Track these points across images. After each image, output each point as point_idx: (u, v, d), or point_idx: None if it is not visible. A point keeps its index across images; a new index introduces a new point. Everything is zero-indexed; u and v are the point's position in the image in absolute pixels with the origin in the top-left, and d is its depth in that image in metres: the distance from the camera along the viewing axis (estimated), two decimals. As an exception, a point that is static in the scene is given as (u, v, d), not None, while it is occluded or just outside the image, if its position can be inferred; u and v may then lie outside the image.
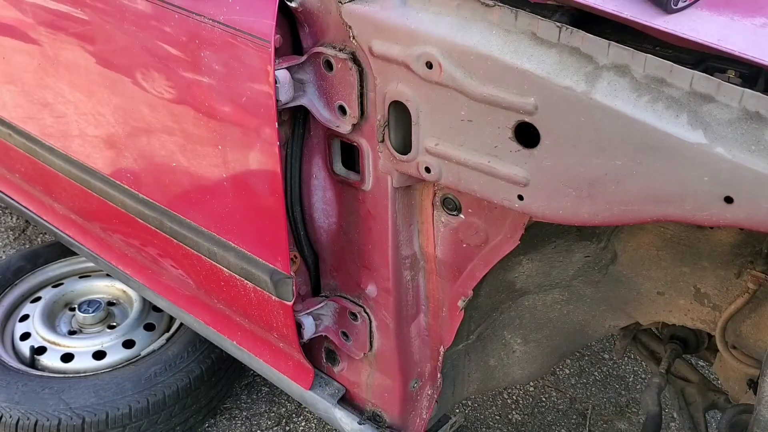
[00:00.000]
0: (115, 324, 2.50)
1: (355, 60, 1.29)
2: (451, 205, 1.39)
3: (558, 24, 1.06)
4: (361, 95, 1.32)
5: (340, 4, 1.27)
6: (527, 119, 1.11)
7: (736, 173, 0.95)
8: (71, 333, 2.48)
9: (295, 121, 1.47)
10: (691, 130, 0.97)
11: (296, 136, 1.48)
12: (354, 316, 1.64)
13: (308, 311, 1.65)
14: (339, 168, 1.48)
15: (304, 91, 1.39)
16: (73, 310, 2.55)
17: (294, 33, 1.40)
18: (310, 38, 1.36)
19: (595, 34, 1.04)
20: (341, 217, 1.55)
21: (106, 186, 1.91)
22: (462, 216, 1.39)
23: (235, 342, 1.96)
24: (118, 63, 1.68)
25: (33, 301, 2.56)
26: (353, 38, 1.27)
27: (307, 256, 1.64)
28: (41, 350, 2.36)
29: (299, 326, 1.64)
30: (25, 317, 2.50)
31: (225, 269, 1.69)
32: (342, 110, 1.36)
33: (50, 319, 2.49)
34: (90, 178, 1.96)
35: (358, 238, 1.53)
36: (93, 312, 2.47)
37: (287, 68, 1.35)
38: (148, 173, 1.78)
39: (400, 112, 1.28)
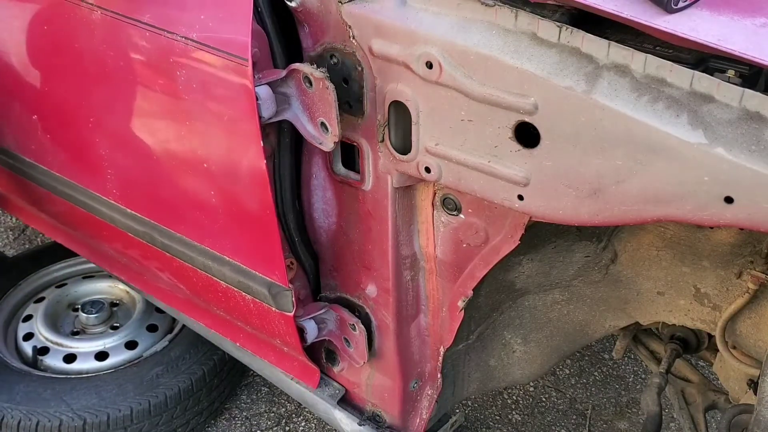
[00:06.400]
0: (118, 325, 2.50)
1: (331, 78, 1.28)
2: (451, 205, 1.39)
3: (558, 24, 1.06)
4: (361, 96, 1.32)
5: (340, 4, 1.27)
6: (527, 119, 1.11)
7: (736, 173, 0.95)
8: (74, 333, 2.48)
9: (280, 131, 1.45)
10: (692, 130, 0.97)
11: (282, 146, 1.47)
12: (352, 326, 1.64)
13: (310, 316, 1.64)
14: (339, 168, 1.48)
15: (288, 104, 1.37)
16: (76, 310, 2.55)
17: (295, 35, 1.39)
18: (310, 38, 1.36)
19: (595, 34, 1.04)
20: (341, 217, 1.55)
21: (98, 204, 1.88)
22: (462, 216, 1.39)
23: (237, 344, 1.96)
24: (102, 83, 1.65)
25: (36, 302, 2.56)
26: (353, 38, 1.28)
27: (303, 261, 1.63)
28: (44, 351, 2.36)
29: (302, 331, 1.63)
30: (28, 317, 2.50)
31: (222, 282, 1.68)
32: (324, 127, 1.35)
33: (53, 320, 2.49)
34: (85, 198, 1.92)
35: (358, 238, 1.53)
36: (96, 313, 2.47)
37: (268, 83, 1.33)
38: (140, 191, 1.76)
39: (400, 112, 1.29)
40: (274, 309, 1.59)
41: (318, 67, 1.31)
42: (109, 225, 1.88)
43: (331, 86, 1.28)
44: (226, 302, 1.76)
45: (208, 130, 1.46)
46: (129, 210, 1.79)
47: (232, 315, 1.85)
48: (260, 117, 1.32)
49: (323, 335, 1.69)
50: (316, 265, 1.68)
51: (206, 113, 1.44)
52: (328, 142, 1.36)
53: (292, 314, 1.57)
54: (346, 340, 1.69)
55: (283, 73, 1.34)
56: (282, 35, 1.38)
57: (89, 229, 2.06)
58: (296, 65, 1.32)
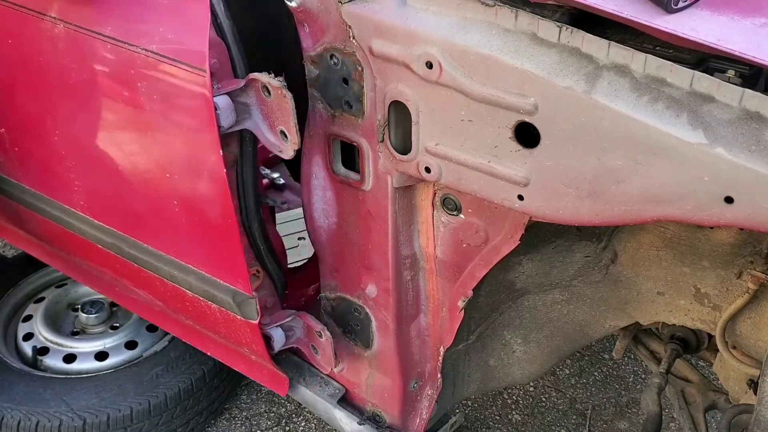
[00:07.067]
0: (117, 325, 2.50)
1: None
2: (451, 205, 1.39)
3: (558, 24, 1.06)
4: (361, 96, 1.32)
5: (340, 4, 1.27)
6: (527, 119, 1.11)
7: (736, 173, 0.95)
8: (74, 333, 2.48)
9: (242, 140, 1.46)
10: (692, 130, 0.97)
11: (245, 155, 1.47)
12: (319, 334, 1.66)
13: (277, 324, 1.66)
14: (339, 168, 1.48)
15: (249, 113, 1.39)
16: (76, 310, 2.55)
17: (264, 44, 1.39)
18: (310, 38, 1.36)
19: (595, 34, 1.04)
20: (341, 217, 1.55)
21: (67, 216, 1.88)
22: (462, 216, 1.39)
23: (208, 353, 1.97)
24: (66, 96, 1.65)
25: (36, 302, 2.56)
26: (353, 38, 1.28)
27: (270, 268, 1.65)
28: (44, 351, 2.36)
29: (269, 339, 1.65)
30: (28, 317, 2.49)
31: (188, 291, 1.69)
32: (284, 134, 1.36)
33: (53, 320, 2.49)
34: (54, 210, 1.91)
35: (358, 238, 1.53)
36: (96, 313, 2.47)
37: (228, 93, 1.34)
38: (106, 202, 1.77)
39: (400, 112, 1.29)
40: (239, 317, 1.60)
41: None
42: (79, 237, 1.88)
43: (288, 95, 1.30)
44: (194, 311, 1.77)
45: (169, 140, 1.48)
46: (97, 221, 1.79)
47: (200, 324, 1.86)
48: (219, 126, 1.34)
49: (291, 342, 1.71)
50: (283, 273, 1.69)
51: (167, 124, 1.46)
52: (287, 149, 1.38)
53: (257, 322, 1.58)
54: (314, 347, 1.71)
55: (242, 82, 1.35)
56: (242, 45, 1.40)
57: (60, 241, 2.06)
58: (254, 75, 1.33)
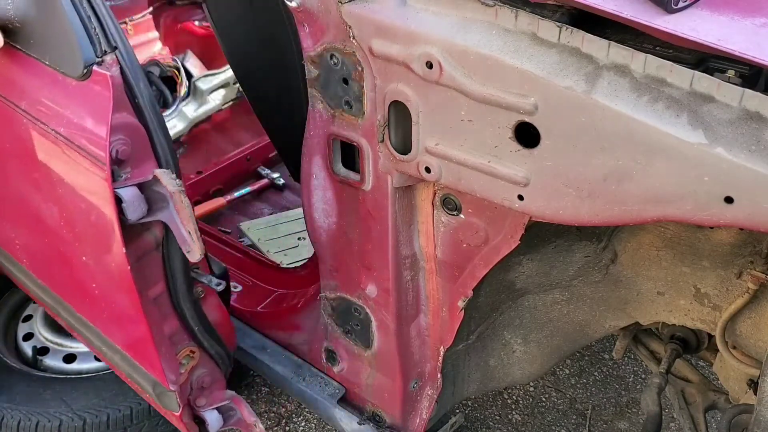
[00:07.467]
0: (116, 324, 2.50)
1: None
2: (451, 205, 1.39)
3: (558, 24, 1.06)
4: (362, 96, 1.32)
5: (340, 4, 1.27)
6: (527, 119, 1.11)
7: (736, 173, 0.95)
8: (74, 333, 2.48)
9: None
10: (692, 130, 0.97)
11: (171, 237, 1.39)
12: (255, 424, 1.66)
13: (213, 407, 1.62)
14: (339, 168, 1.48)
15: (167, 203, 1.30)
16: (75, 310, 2.55)
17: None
18: (310, 38, 1.36)
19: (595, 34, 1.04)
20: (341, 217, 1.55)
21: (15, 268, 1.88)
22: (462, 216, 1.39)
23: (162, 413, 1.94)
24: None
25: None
26: (353, 38, 1.27)
27: (207, 347, 1.60)
28: (44, 351, 2.36)
29: (202, 422, 1.61)
30: (28, 317, 2.49)
31: (117, 369, 1.67)
32: (192, 236, 1.31)
33: (53, 320, 2.48)
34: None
35: (358, 238, 1.53)
36: (94, 312, 2.47)
37: (139, 184, 1.28)
38: (42, 265, 1.74)
39: (400, 112, 1.28)
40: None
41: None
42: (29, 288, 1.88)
43: (185, 201, 1.25)
44: (131, 384, 1.75)
45: (80, 226, 1.43)
46: (39, 280, 1.78)
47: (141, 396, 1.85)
48: (126, 219, 1.27)
49: (231, 424, 1.68)
50: (225, 349, 1.66)
51: (77, 209, 1.40)
52: (194, 252, 1.32)
53: (178, 414, 1.55)
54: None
55: (150, 176, 1.29)
56: (165, 129, 1.33)
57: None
58: (157, 172, 1.28)
